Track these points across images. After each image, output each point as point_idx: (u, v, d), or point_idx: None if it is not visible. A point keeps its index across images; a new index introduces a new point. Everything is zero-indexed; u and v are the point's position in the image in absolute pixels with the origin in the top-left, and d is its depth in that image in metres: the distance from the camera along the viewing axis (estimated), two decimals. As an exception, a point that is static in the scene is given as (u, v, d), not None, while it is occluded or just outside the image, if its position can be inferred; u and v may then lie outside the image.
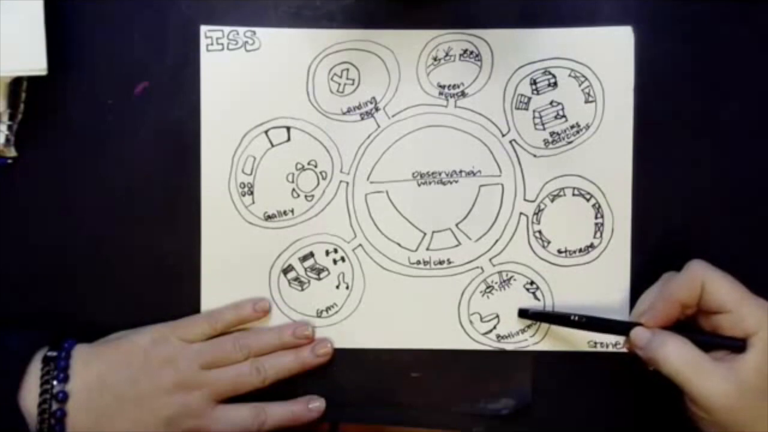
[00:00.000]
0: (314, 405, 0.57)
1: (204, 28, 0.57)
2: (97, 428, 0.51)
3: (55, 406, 0.51)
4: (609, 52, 0.57)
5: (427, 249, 0.58)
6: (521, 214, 0.58)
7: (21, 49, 0.53)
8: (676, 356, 0.51)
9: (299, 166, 0.58)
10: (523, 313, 0.58)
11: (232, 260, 0.58)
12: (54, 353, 0.53)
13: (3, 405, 0.50)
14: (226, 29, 0.57)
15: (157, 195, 0.58)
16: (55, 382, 0.51)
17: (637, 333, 0.54)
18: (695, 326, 0.54)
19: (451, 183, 0.58)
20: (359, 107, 0.58)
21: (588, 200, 0.58)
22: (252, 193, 0.58)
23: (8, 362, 0.52)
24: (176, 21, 0.57)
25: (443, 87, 0.58)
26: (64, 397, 0.51)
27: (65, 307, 0.56)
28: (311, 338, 0.57)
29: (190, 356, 0.54)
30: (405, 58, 0.58)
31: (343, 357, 0.58)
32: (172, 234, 0.58)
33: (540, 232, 0.58)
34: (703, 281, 0.52)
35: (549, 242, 0.58)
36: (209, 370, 0.54)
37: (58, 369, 0.52)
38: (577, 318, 0.56)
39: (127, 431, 0.52)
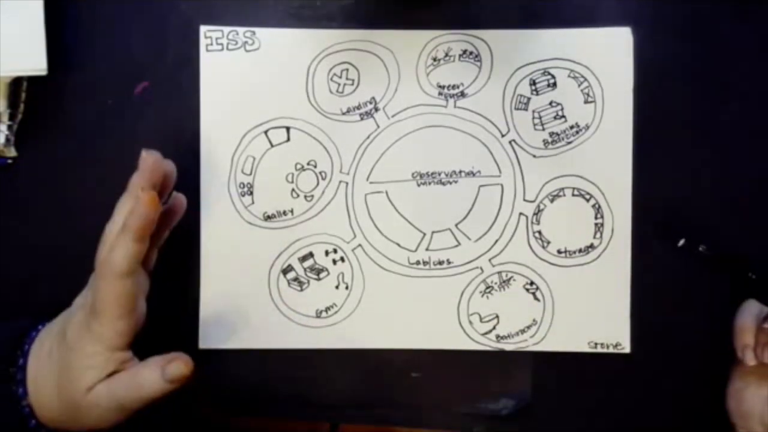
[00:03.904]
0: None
1: (204, 28, 0.57)
2: (43, 390, 0.51)
3: (18, 373, 0.51)
4: (608, 52, 0.57)
5: (427, 249, 0.58)
6: (521, 214, 0.58)
7: (21, 49, 0.53)
8: None
9: (299, 166, 0.58)
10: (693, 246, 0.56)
11: (231, 260, 0.58)
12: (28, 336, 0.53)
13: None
14: (226, 29, 0.57)
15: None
16: (21, 360, 0.51)
17: None
18: None
19: (450, 183, 0.58)
20: (359, 107, 0.58)
21: (588, 200, 0.58)
22: (251, 193, 0.58)
23: (7, 340, 0.52)
24: (176, 21, 0.57)
25: (443, 87, 0.58)
26: (24, 363, 0.51)
27: (65, 306, 0.56)
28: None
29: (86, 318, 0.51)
30: (405, 59, 0.58)
31: (343, 357, 0.58)
32: (172, 234, 0.58)
33: (540, 232, 0.58)
34: None
35: (549, 242, 0.58)
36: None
37: (30, 340, 0.52)
38: (755, 277, 0.55)
39: (61, 392, 0.51)
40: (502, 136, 0.58)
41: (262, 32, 0.57)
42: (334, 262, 0.58)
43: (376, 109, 0.58)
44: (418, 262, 0.58)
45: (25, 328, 0.53)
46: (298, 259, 0.58)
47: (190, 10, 0.57)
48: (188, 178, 0.57)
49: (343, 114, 0.58)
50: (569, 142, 0.58)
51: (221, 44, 0.57)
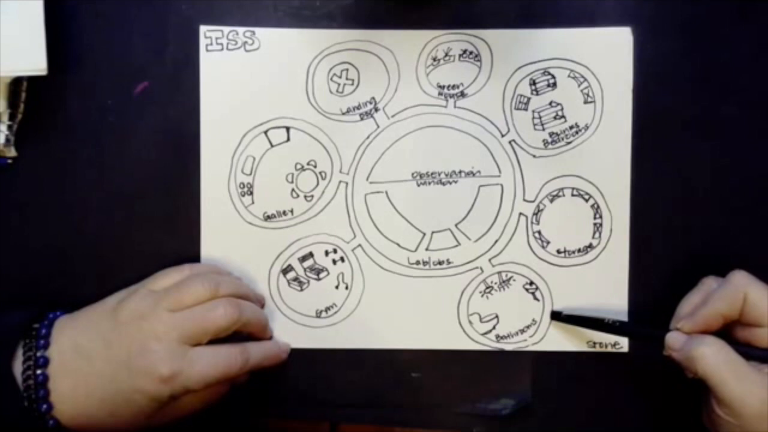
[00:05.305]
0: (284, 344, 0.58)
1: (203, 28, 0.57)
2: (77, 390, 0.52)
3: (37, 371, 0.51)
4: (608, 52, 0.57)
5: (427, 249, 0.58)
6: (521, 214, 0.58)
7: (21, 49, 0.53)
8: (715, 356, 0.50)
9: (299, 166, 0.58)
10: (556, 316, 0.58)
11: (231, 260, 0.58)
12: (38, 324, 0.53)
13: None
14: (226, 29, 0.57)
15: (157, 195, 0.58)
16: (37, 349, 0.52)
17: (673, 336, 0.52)
18: (730, 336, 0.53)
19: (450, 183, 0.58)
20: (359, 107, 0.58)
21: (587, 200, 0.58)
22: (251, 193, 0.58)
23: (4, 334, 0.52)
24: (176, 21, 0.57)
25: (443, 87, 0.58)
26: (44, 362, 0.51)
27: (65, 307, 0.56)
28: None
29: (155, 302, 0.53)
30: (404, 59, 0.58)
31: (343, 357, 0.58)
32: (172, 234, 0.58)
33: (539, 232, 0.58)
34: (746, 293, 0.52)
35: (548, 242, 0.58)
36: (176, 312, 0.53)
37: (39, 336, 0.52)
38: (611, 322, 0.55)
39: (106, 390, 0.52)
40: (502, 136, 0.58)
41: (261, 32, 0.57)
42: (334, 262, 0.58)
43: (376, 109, 0.58)
44: (418, 262, 0.58)
45: (23, 320, 0.53)
46: (298, 259, 0.58)
47: (190, 10, 0.57)
48: (188, 178, 0.57)
49: (343, 114, 0.58)
50: (569, 142, 0.58)
51: (221, 44, 0.57)
